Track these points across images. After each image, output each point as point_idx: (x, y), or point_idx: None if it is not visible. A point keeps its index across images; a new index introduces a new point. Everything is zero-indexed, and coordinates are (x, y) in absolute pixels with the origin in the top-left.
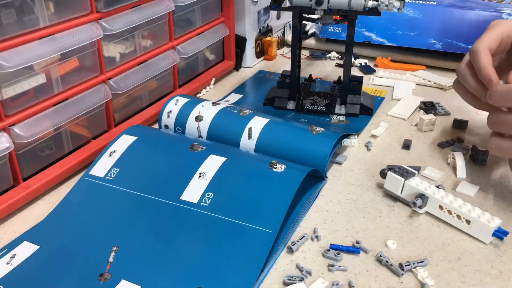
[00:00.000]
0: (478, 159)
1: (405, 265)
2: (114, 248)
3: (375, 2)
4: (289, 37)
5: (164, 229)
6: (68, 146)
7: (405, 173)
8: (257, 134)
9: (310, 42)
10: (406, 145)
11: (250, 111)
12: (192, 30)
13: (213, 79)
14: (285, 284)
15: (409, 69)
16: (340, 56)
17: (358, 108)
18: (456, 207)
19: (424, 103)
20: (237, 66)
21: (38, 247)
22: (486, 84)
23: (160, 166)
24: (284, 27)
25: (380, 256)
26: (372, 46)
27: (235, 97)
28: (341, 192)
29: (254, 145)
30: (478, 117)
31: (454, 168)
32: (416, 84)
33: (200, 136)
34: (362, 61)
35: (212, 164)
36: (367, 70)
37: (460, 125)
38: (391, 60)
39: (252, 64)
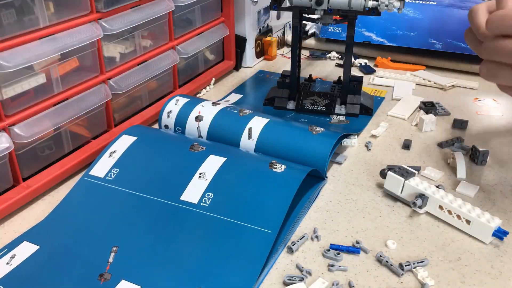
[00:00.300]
0: (478, 159)
1: (405, 265)
2: (114, 248)
3: (375, 2)
4: (289, 37)
5: (164, 230)
6: (68, 146)
7: (405, 173)
8: (257, 134)
9: (310, 42)
10: (406, 145)
11: (250, 111)
12: (192, 30)
13: (213, 79)
14: (285, 284)
15: (409, 69)
16: (340, 56)
17: (358, 108)
18: (456, 207)
19: (424, 103)
20: (237, 66)
21: (38, 247)
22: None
23: (160, 167)
24: (284, 27)
25: (380, 256)
26: (372, 46)
27: (235, 97)
28: (341, 192)
29: (254, 145)
30: (478, 117)
31: (454, 168)
32: (416, 84)
33: (200, 136)
34: (362, 61)
35: (212, 164)
36: (367, 70)
37: (460, 125)
38: (391, 60)
39: (252, 64)
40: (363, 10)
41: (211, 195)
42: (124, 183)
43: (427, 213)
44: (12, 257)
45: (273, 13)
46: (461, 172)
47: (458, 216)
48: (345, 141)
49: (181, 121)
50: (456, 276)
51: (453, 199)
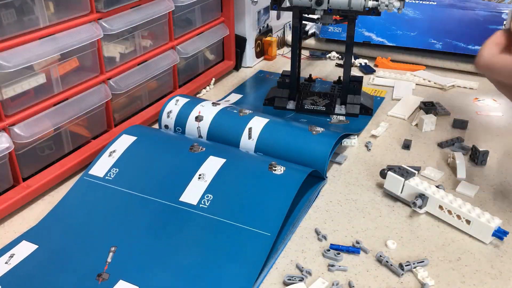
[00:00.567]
0: (478, 159)
1: (405, 265)
2: (113, 248)
3: (375, 2)
4: (289, 37)
5: (163, 230)
6: (68, 146)
7: (405, 173)
8: (257, 134)
9: (310, 42)
10: (406, 145)
11: (250, 111)
12: (192, 30)
13: (213, 79)
14: (285, 284)
15: (409, 69)
16: (340, 56)
17: (358, 108)
18: (456, 207)
19: (424, 103)
20: (237, 66)
21: (36, 246)
22: None
23: (159, 167)
24: (284, 27)
25: (380, 256)
26: (372, 46)
27: (235, 97)
28: (341, 192)
29: (254, 145)
30: (478, 117)
31: (454, 168)
32: (416, 84)
33: (200, 136)
34: (362, 61)
35: (212, 165)
36: (367, 70)
37: (460, 125)
38: (391, 60)
39: (252, 64)
40: (363, 10)
41: (211, 197)
42: (124, 183)
43: (427, 213)
44: (11, 256)
45: (273, 13)
46: (461, 172)
47: (458, 216)
48: (345, 141)
49: (181, 121)
50: (456, 276)
51: (453, 199)
